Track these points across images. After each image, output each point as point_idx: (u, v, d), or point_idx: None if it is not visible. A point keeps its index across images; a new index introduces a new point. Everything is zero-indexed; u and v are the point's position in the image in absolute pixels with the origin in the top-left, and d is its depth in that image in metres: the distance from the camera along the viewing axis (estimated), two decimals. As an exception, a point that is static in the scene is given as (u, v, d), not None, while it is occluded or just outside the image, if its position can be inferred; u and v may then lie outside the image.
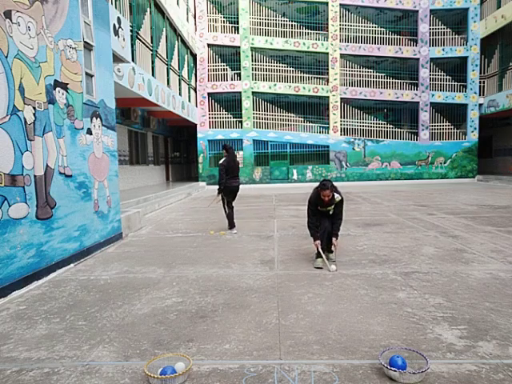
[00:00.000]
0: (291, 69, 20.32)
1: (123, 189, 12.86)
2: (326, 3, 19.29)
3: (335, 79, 19.61)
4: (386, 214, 9.03)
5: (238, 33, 19.42)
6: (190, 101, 18.41)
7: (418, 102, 19.73)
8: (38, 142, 4.46)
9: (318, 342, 2.82)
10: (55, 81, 4.86)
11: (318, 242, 4.75)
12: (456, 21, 20.00)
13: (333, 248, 4.93)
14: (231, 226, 7.25)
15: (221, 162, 7.14)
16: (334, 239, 4.86)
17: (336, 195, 4.67)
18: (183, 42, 17.31)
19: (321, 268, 4.64)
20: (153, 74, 12.94)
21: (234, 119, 19.99)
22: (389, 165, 20.05)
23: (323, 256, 4.74)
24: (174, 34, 15.94)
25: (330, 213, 4.83)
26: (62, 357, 2.71)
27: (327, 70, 19.87)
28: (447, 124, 20.15)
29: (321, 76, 20.42)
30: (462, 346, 2.71)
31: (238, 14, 19.37)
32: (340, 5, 19.30)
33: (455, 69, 19.96)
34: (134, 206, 9.36)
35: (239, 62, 19.53)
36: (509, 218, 8.04)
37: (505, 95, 17.71)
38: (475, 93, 19.50)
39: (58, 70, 4.93)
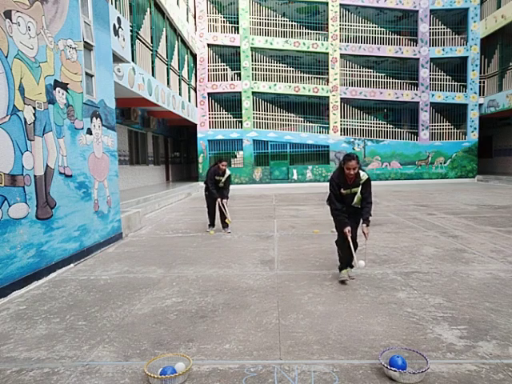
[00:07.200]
0: (291, 69, 20.30)
1: (123, 189, 12.86)
2: (326, 3, 19.28)
3: (335, 79, 19.60)
4: (385, 213, 9.03)
5: (238, 33, 19.41)
6: (189, 101, 18.40)
7: (418, 102, 19.72)
8: (38, 142, 4.46)
9: (317, 342, 2.82)
10: (55, 81, 4.86)
11: (348, 228, 4.00)
12: (456, 21, 20.00)
13: (365, 237, 4.11)
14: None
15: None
16: (364, 226, 4.02)
17: (362, 173, 3.97)
18: (183, 42, 17.30)
19: (346, 280, 4.11)
20: (153, 74, 12.94)
21: (234, 119, 19.97)
22: (389, 165, 20.04)
23: (354, 254, 4.04)
24: (174, 34, 15.94)
25: (355, 200, 4.04)
26: (62, 357, 2.71)
27: (327, 70, 19.86)
28: (447, 124, 20.14)
29: (321, 76, 20.41)
30: (462, 346, 2.71)
31: (238, 14, 19.36)
32: (340, 5, 19.29)
33: (455, 69, 19.95)
34: (134, 206, 9.36)
35: (239, 62, 19.52)
36: (509, 218, 8.04)
37: (505, 95, 17.70)
38: (475, 93, 19.49)
39: (58, 69, 4.93)
